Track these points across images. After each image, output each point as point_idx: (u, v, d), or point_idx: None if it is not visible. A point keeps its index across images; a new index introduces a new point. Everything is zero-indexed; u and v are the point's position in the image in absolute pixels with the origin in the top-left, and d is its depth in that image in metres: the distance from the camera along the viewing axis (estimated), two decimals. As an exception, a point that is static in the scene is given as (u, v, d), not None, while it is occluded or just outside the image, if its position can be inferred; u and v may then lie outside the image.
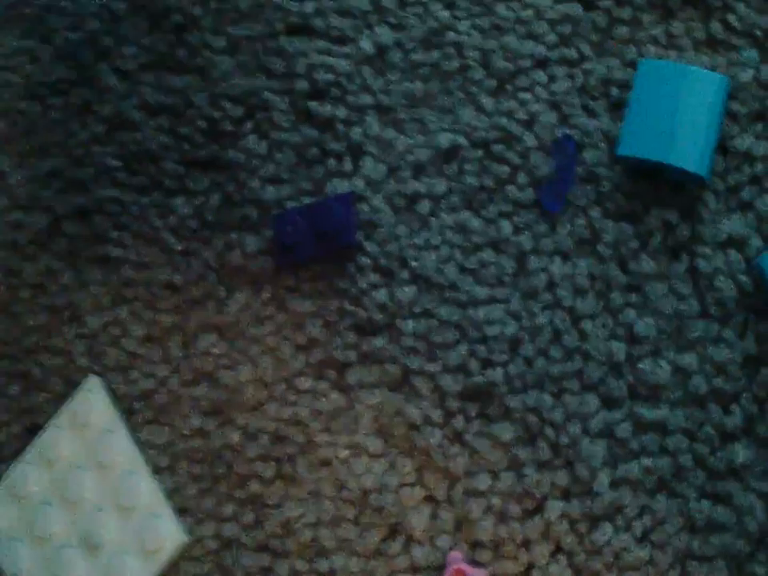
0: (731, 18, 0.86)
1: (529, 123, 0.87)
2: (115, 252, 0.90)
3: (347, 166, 0.89)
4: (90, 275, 0.90)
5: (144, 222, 0.90)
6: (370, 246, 0.87)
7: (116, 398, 0.88)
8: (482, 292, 0.84)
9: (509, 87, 0.88)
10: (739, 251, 0.82)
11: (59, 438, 0.86)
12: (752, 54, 0.85)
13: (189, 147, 0.91)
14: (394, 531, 0.82)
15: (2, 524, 0.86)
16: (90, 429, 0.86)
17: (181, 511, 0.85)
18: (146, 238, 0.90)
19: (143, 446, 0.86)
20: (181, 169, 0.91)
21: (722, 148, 0.84)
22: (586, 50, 0.88)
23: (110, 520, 0.84)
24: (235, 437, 0.85)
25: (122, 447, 0.85)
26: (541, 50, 0.89)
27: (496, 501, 0.81)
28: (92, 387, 0.87)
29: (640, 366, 0.81)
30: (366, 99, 0.90)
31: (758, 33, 0.85)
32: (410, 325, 0.85)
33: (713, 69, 0.85)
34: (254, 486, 0.84)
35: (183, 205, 0.90)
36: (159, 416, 0.87)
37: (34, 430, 0.88)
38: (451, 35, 0.90)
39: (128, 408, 0.87)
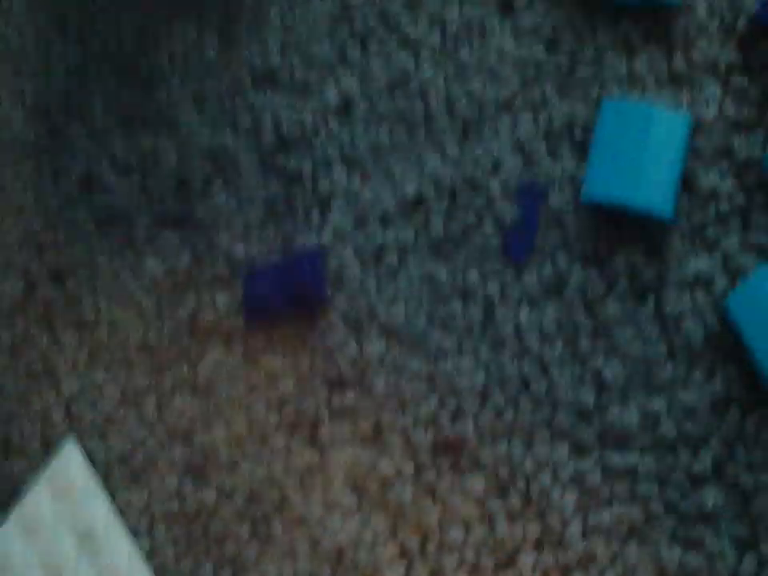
0: (693, 53, 0.86)
1: (494, 169, 0.87)
2: (90, 315, 0.91)
3: (315, 218, 0.89)
4: (66, 338, 0.91)
5: (117, 284, 0.91)
6: (338, 301, 0.87)
7: (94, 461, 0.88)
8: (451, 343, 0.85)
9: (474, 134, 0.89)
10: (706, 292, 0.81)
11: (39, 504, 0.87)
12: (714, 89, 0.85)
13: (159, 206, 0.92)
14: (369, 587, 0.82)
15: (-16, 592, 0.87)
16: (68, 493, 0.87)
17: (159, 573, 0.85)
18: (120, 299, 0.91)
19: (122, 507, 0.87)
20: (152, 228, 0.92)
21: (687, 186, 0.83)
22: (550, 92, 0.88)
23: (92, 584, 0.85)
24: (211, 497, 0.85)
25: (100, 511, 0.86)
26: (505, 93, 0.89)
27: (469, 553, 0.81)
28: (69, 452, 0.87)
29: (609, 412, 0.81)
30: (332, 151, 0.90)
31: (721, 67, 0.85)
32: (380, 379, 0.85)
33: (676, 105, 0.85)
34: (231, 546, 0.85)
35: (155, 265, 0.91)
36: (137, 478, 0.87)
37: (11, 497, 0.89)
38: (415, 83, 0.90)
39: (106, 471, 0.88)
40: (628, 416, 0.80)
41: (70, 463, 0.87)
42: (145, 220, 0.92)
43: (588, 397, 0.81)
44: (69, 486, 0.87)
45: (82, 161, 0.94)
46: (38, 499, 0.87)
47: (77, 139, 0.95)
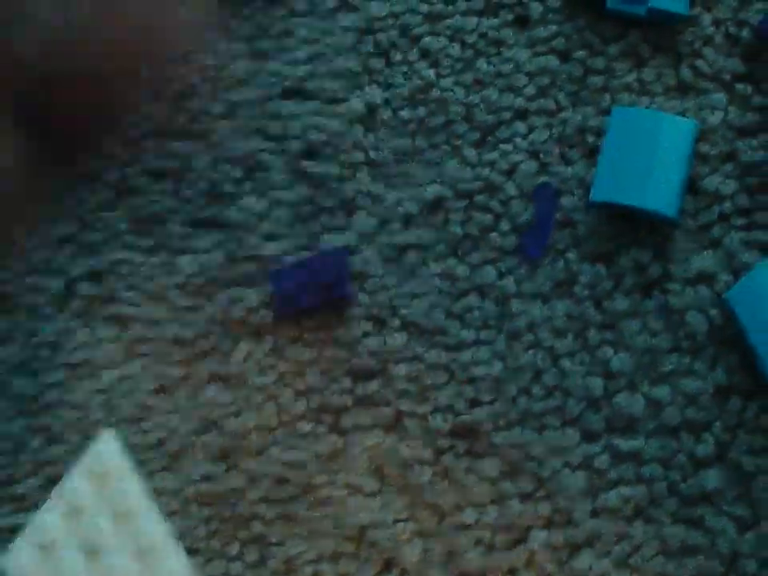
0: (700, 63, 0.90)
1: (510, 173, 0.92)
2: (127, 310, 0.96)
3: (340, 220, 0.94)
4: (104, 333, 0.96)
5: (152, 282, 0.96)
6: (362, 297, 0.91)
7: (130, 448, 0.93)
8: (468, 335, 0.89)
9: (491, 139, 0.93)
10: (709, 287, 0.86)
11: (78, 489, 0.91)
12: (720, 97, 0.89)
13: (192, 209, 0.97)
14: (389, 564, 0.86)
15: (27, 573, 0.91)
16: (106, 479, 0.91)
17: (191, 552, 0.90)
18: (155, 296, 0.95)
19: (156, 492, 0.91)
20: (185, 229, 0.96)
21: (693, 188, 0.88)
22: (563, 100, 0.92)
23: (128, 563, 0.89)
24: (240, 481, 0.90)
25: (135, 495, 0.90)
26: (520, 101, 0.93)
27: (483, 533, 0.85)
28: (107, 439, 0.92)
29: (616, 399, 0.85)
30: (357, 156, 0.95)
31: (726, 76, 0.90)
32: (401, 369, 0.89)
33: (683, 113, 0.89)
34: (258, 526, 0.89)
35: (189, 264, 0.95)
36: (170, 464, 0.92)
37: (53, 481, 0.93)
38: (436, 92, 0.95)
39: (141, 457, 0.93)
40: (634, 403, 0.84)
41: (108, 450, 0.92)
42: (178, 222, 0.97)
43: (596, 386, 0.85)
44: (106, 472, 0.91)
45: (116, 168, 0.99)
46: (77, 484, 0.91)
47: (111, 148, 0.99)
